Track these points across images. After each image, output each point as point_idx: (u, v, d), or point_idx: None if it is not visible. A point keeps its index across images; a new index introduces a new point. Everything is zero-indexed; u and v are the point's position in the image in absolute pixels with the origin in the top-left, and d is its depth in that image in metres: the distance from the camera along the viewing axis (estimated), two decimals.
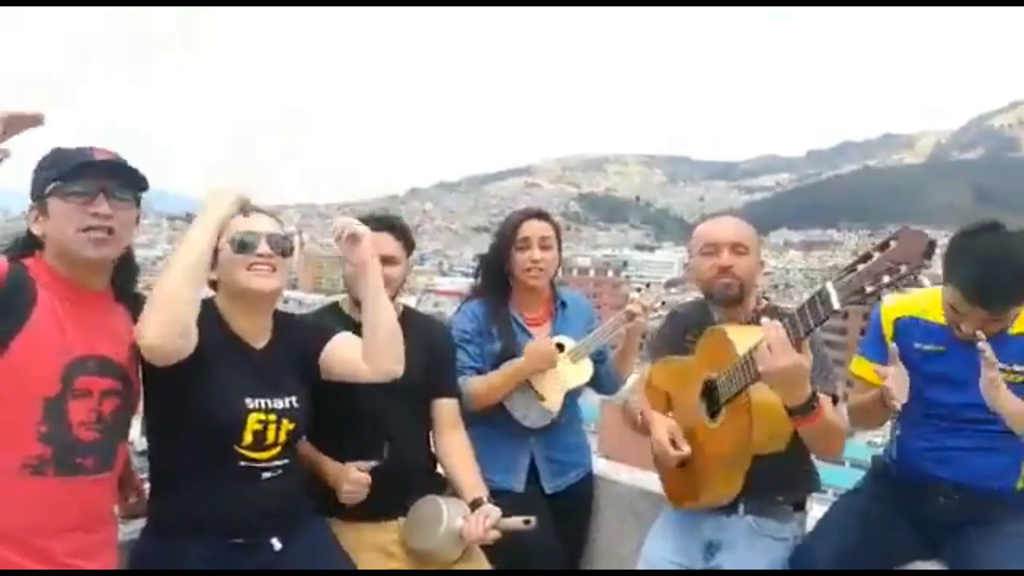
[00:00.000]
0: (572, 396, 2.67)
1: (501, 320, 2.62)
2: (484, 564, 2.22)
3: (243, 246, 1.89)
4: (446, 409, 2.39)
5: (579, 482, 2.72)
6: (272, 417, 1.89)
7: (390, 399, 2.20)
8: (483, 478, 2.30)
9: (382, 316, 1.98)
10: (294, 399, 1.95)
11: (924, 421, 2.12)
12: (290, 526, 1.92)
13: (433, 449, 2.41)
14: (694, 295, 2.49)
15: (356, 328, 2.10)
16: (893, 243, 1.55)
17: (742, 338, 2.01)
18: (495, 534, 2.11)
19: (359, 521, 2.17)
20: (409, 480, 2.26)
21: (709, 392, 2.15)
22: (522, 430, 2.56)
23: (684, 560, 2.24)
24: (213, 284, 1.95)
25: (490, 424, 2.51)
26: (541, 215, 2.69)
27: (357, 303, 2.28)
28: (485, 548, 2.20)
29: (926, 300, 2.12)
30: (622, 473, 2.84)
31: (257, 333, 1.98)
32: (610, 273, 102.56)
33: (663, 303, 2.61)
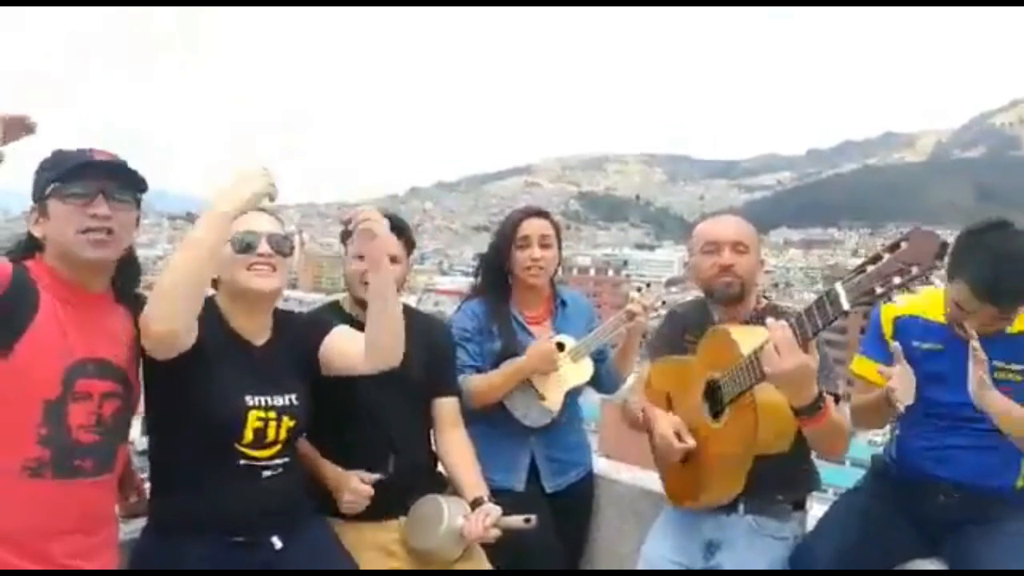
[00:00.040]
0: (572, 395, 2.66)
1: (501, 319, 2.62)
2: (485, 563, 2.21)
3: (243, 246, 1.89)
4: (446, 408, 2.39)
5: (579, 481, 2.72)
6: (272, 415, 1.89)
7: (391, 398, 2.20)
8: (483, 477, 2.30)
9: (391, 313, 1.94)
10: (294, 396, 1.94)
11: (923, 420, 2.12)
12: (291, 525, 1.92)
13: (434, 448, 2.41)
14: (694, 294, 2.49)
15: (358, 327, 2.09)
16: (904, 244, 1.53)
17: (745, 338, 2.00)
18: (496, 533, 2.11)
19: (360, 520, 2.17)
20: (410, 479, 2.25)
21: (711, 392, 2.15)
22: (522, 429, 2.56)
23: (684, 559, 2.24)
24: (213, 283, 1.94)
25: (490, 423, 2.51)
26: (541, 214, 2.69)
27: (358, 302, 2.28)
28: (486, 547, 2.20)
29: (926, 298, 2.10)
30: (622, 472, 2.84)
31: (257, 331, 1.98)
32: (610, 272, 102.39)
33: (663, 302, 2.60)
